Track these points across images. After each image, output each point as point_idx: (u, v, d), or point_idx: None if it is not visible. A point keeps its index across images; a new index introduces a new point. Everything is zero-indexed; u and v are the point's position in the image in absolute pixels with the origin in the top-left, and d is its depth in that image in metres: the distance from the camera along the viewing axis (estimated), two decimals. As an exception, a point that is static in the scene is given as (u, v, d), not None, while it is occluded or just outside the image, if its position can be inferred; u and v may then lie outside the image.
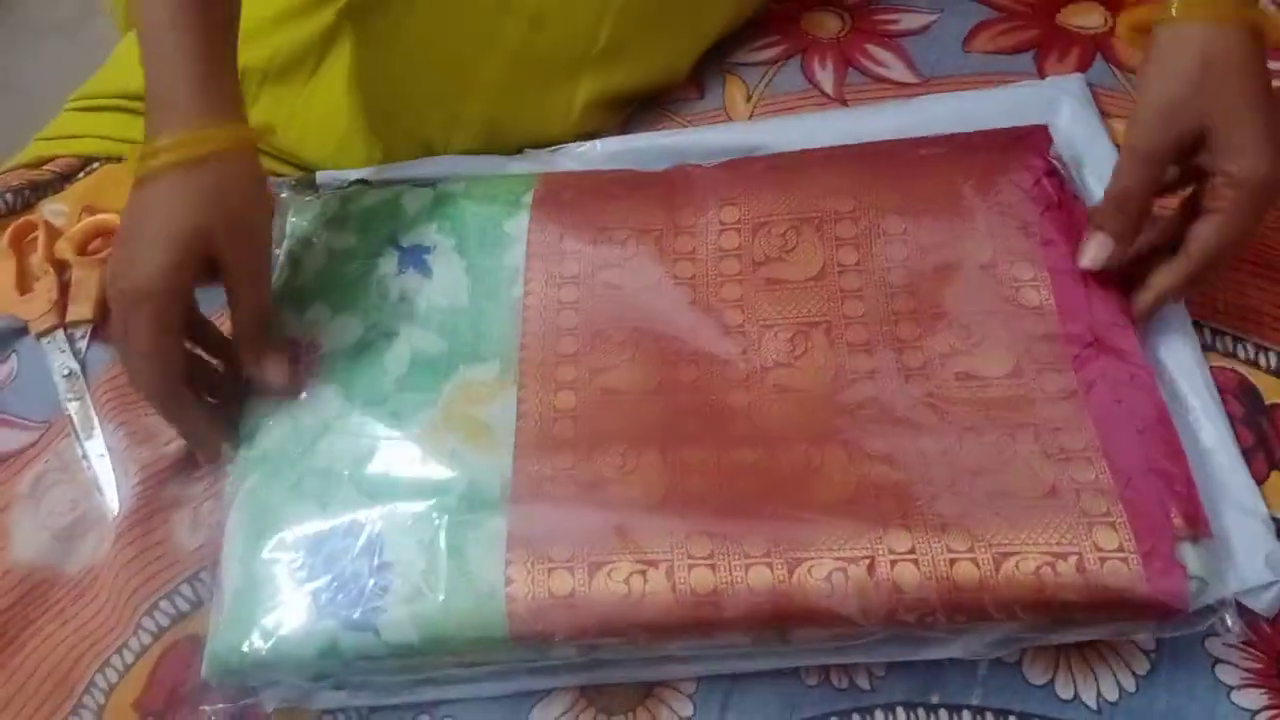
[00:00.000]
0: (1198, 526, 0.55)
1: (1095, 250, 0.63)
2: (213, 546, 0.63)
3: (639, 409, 0.62)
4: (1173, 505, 0.55)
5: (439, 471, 0.61)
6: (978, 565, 0.54)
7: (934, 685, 0.58)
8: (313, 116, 0.80)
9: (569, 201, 0.71)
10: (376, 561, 0.58)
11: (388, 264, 0.71)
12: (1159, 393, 0.60)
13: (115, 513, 0.67)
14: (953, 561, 0.54)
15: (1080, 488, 0.56)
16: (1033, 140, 0.70)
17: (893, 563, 0.54)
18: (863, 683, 0.58)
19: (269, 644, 0.57)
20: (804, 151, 0.73)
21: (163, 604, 0.64)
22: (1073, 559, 0.53)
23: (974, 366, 0.61)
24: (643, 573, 0.55)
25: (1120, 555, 0.53)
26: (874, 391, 0.61)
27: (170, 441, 0.69)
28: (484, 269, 0.69)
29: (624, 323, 0.66)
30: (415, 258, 0.71)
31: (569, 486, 0.59)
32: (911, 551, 0.55)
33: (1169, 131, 0.59)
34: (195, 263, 0.60)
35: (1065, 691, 0.57)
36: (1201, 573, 0.54)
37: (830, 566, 0.55)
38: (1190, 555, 0.54)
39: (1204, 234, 0.60)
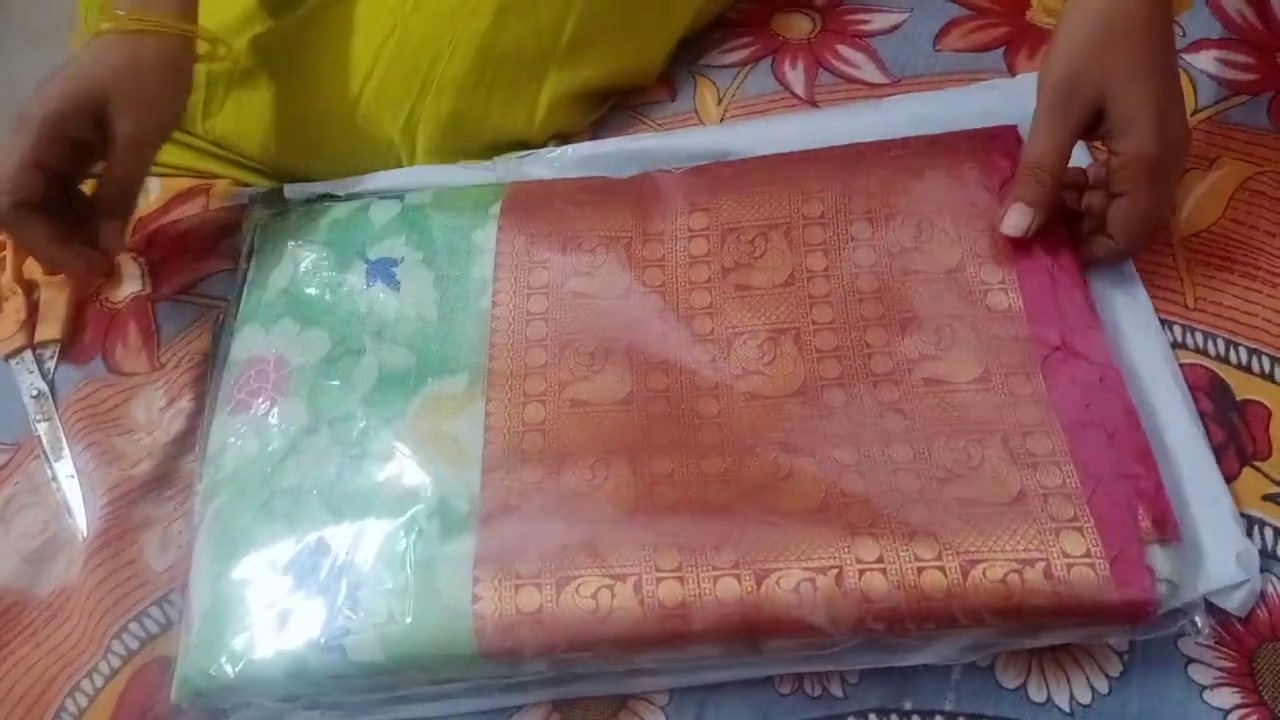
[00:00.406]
0: (1166, 530, 0.55)
1: (1015, 219, 0.63)
2: (182, 567, 0.63)
3: (608, 420, 0.62)
4: (1141, 509, 0.55)
5: (407, 488, 0.61)
6: (945, 573, 0.54)
7: (907, 691, 0.58)
8: (277, 119, 0.80)
9: (537, 210, 0.71)
10: (344, 581, 0.58)
11: (355, 278, 0.70)
12: (1128, 395, 0.60)
13: (85, 534, 0.67)
14: (920, 570, 0.54)
15: (1048, 493, 0.56)
16: (1001, 141, 0.70)
17: (860, 572, 0.54)
18: (836, 690, 0.58)
19: (237, 667, 0.57)
20: (773, 156, 0.73)
21: (132, 626, 0.64)
22: (1040, 565, 0.53)
23: (942, 372, 0.61)
24: (610, 587, 0.55)
25: (1087, 561, 0.53)
26: (844, 398, 0.61)
27: (139, 462, 0.69)
28: (452, 281, 0.69)
29: (593, 333, 0.65)
30: (383, 270, 0.70)
31: (537, 501, 0.59)
32: (879, 560, 0.54)
33: (1070, 102, 0.61)
34: (81, 111, 0.66)
35: (1038, 695, 0.57)
36: (1171, 575, 0.54)
37: (798, 577, 0.54)
38: (1159, 558, 0.54)
39: (1116, 216, 0.62)
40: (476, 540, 0.58)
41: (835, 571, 0.54)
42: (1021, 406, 0.59)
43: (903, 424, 0.59)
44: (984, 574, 0.53)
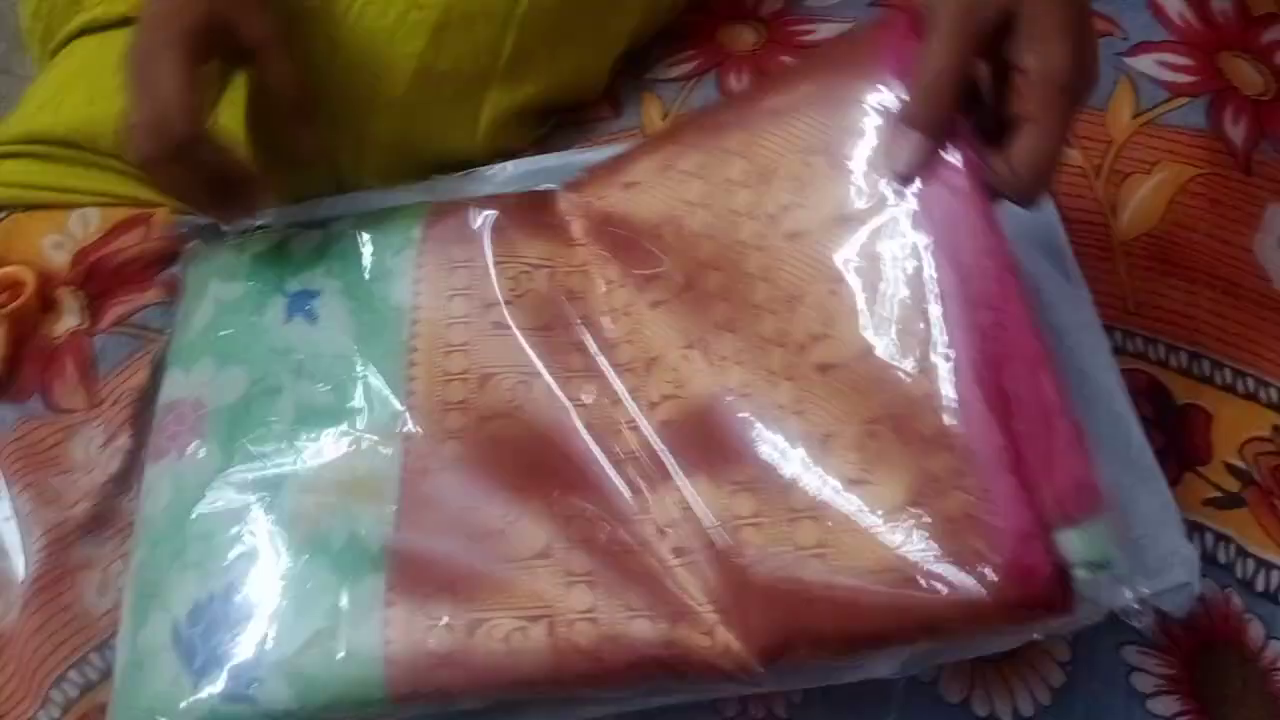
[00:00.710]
0: (1085, 505, 0.48)
1: (904, 151, 0.56)
2: (121, 611, 0.62)
3: (525, 457, 0.60)
4: (1048, 487, 0.49)
5: (319, 529, 0.59)
6: (835, 602, 0.51)
7: (850, 708, 0.58)
8: None
9: (458, 233, 0.68)
10: (254, 627, 0.57)
11: (274, 313, 0.68)
12: (1035, 339, 0.52)
13: (22, 578, 0.66)
14: (809, 601, 0.51)
15: (942, 488, 0.50)
16: (890, 35, 0.59)
17: (747, 609, 0.52)
18: (780, 711, 0.58)
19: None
20: (645, 142, 0.69)
21: (71, 674, 0.64)
22: (931, 579, 0.49)
23: (833, 353, 0.55)
24: (523, 629, 0.54)
25: (980, 565, 0.49)
26: (749, 409, 0.57)
27: (78, 503, 0.68)
28: (372, 312, 0.66)
29: (513, 367, 0.63)
30: (301, 304, 0.68)
31: (451, 540, 0.58)
32: (768, 592, 0.52)
33: (971, 13, 0.54)
34: (213, 29, 0.66)
35: (982, 708, 0.57)
36: (1095, 556, 0.48)
37: (712, 619, 0.53)
38: (1075, 540, 0.48)
39: (1019, 148, 0.54)
40: (387, 582, 0.56)
41: (737, 610, 0.53)
42: (914, 380, 0.53)
43: (802, 427, 0.55)
44: (875, 596, 0.50)
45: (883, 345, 0.54)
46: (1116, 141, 0.73)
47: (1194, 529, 0.60)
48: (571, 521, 0.58)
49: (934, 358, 0.52)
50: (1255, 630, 0.58)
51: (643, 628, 0.53)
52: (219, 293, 0.70)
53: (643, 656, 0.53)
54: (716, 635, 0.53)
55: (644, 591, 0.54)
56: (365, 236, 0.70)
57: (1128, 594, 0.51)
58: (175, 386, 0.67)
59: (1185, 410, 0.63)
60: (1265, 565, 0.59)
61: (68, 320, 0.77)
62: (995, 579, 0.48)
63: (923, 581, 0.49)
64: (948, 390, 0.52)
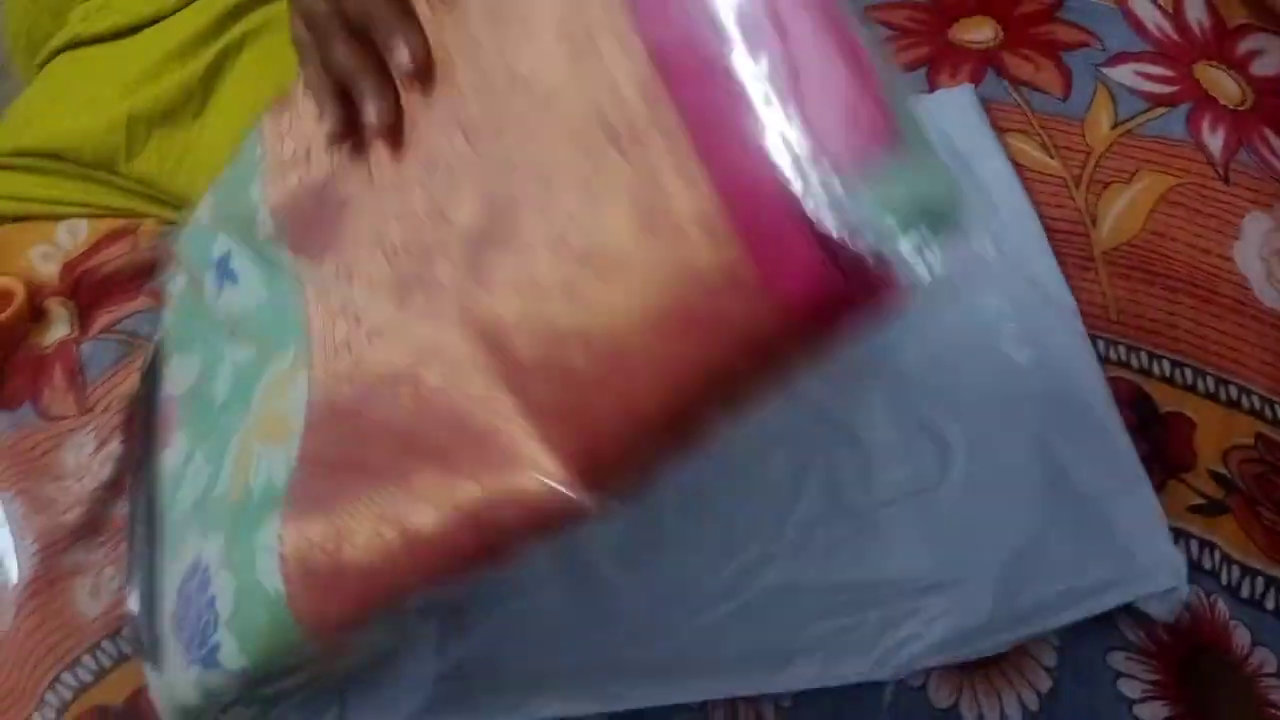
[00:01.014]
0: (867, 145, 0.36)
1: None
2: (113, 615, 0.63)
3: (399, 340, 0.52)
4: (807, 133, 0.36)
5: (244, 481, 0.57)
6: (603, 377, 0.43)
7: (840, 713, 0.58)
8: (201, 156, 0.80)
9: (286, 126, 0.61)
10: (208, 595, 0.56)
11: (209, 288, 0.65)
12: None
13: (15, 583, 0.66)
14: (589, 386, 0.43)
15: (657, 182, 0.39)
16: None
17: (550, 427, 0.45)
18: (769, 715, 0.58)
19: (181, 698, 0.56)
20: None
21: (65, 676, 0.64)
22: (686, 302, 0.39)
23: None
24: (379, 532, 0.49)
25: (729, 268, 0.38)
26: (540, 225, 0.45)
27: (70, 509, 0.68)
28: (262, 251, 0.62)
29: (366, 244, 0.55)
30: (224, 269, 0.65)
31: (329, 459, 0.54)
32: (555, 398, 0.44)
33: None
34: None
35: (970, 714, 0.57)
36: (898, 206, 0.35)
37: (532, 452, 0.45)
38: (864, 196, 0.35)
39: None
40: (282, 517, 0.53)
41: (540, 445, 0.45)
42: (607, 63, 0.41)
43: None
44: (640, 348, 0.41)
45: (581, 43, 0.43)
46: (1096, 151, 0.74)
47: (1178, 535, 0.60)
48: (436, 397, 0.50)
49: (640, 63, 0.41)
50: (1240, 636, 0.59)
51: (470, 490, 0.46)
52: (172, 289, 0.70)
53: (481, 523, 0.46)
54: (542, 468, 0.45)
55: (470, 451, 0.47)
56: (231, 177, 0.66)
57: (989, 246, 0.46)
58: (159, 392, 0.67)
59: (1169, 418, 0.64)
60: (1249, 572, 0.60)
61: (57, 330, 0.77)
62: (750, 277, 0.37)
63: (678, 306, 0.40)
64: (637, 61, 0.41)
